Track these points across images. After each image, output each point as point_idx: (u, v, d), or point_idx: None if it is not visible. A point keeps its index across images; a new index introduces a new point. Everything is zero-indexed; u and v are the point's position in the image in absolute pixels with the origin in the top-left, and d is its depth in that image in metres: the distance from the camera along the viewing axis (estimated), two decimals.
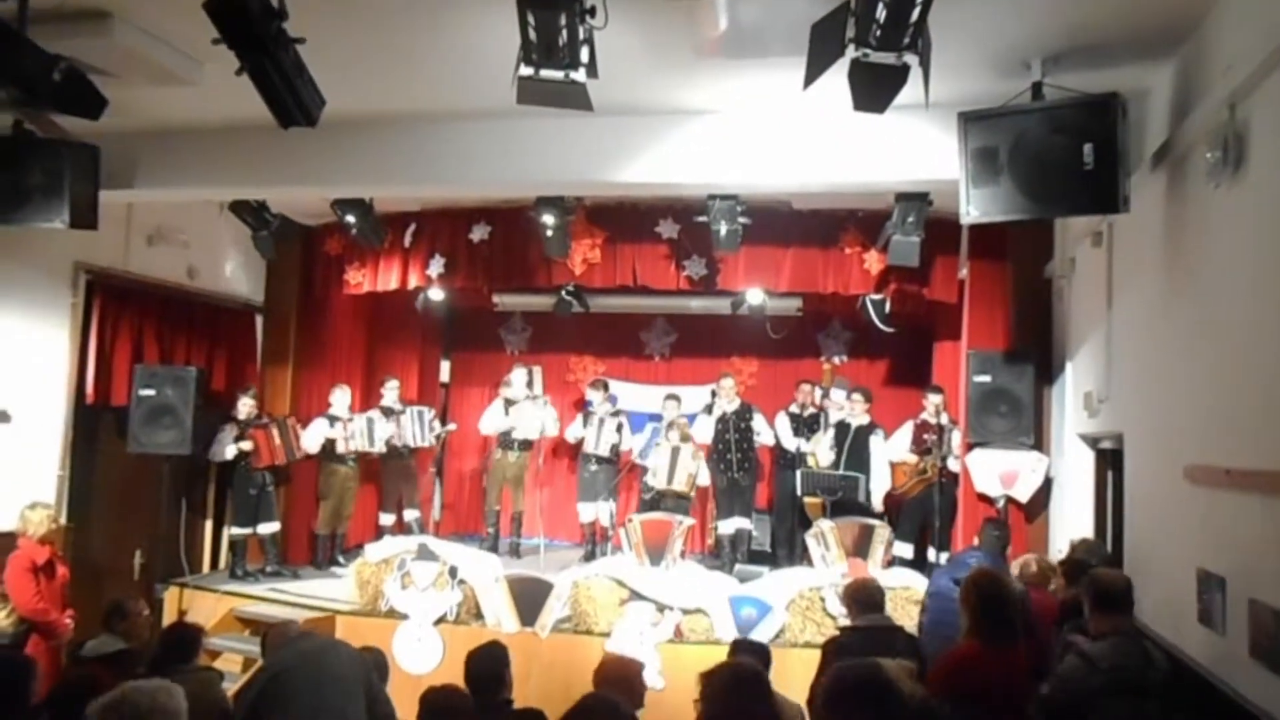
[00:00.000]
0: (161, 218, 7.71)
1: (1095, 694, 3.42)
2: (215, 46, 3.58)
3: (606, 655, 4.50)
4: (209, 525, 8.55)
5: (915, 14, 3.39)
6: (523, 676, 4.34)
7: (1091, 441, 6.06)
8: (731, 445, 8.33)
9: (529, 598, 6.67)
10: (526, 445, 9.04)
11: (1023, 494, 6.59)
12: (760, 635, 6.28)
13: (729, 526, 8.36)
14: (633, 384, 10.18)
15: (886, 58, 3.59)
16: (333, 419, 8.60)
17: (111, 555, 7.52)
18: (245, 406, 8.07)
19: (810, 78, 3.81)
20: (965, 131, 4.43)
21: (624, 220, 7.83)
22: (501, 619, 6.60)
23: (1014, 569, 5.30)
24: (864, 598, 4.58)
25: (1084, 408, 5.93)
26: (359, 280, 8.53)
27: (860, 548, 6.66)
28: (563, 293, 9.46)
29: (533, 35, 3.59)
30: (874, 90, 3.78)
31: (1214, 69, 3.86)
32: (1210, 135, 3.73)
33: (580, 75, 3.76)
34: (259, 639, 5.83)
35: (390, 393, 9.10)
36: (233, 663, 6.77)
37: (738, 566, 8.12)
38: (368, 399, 9.18)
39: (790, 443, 8.55)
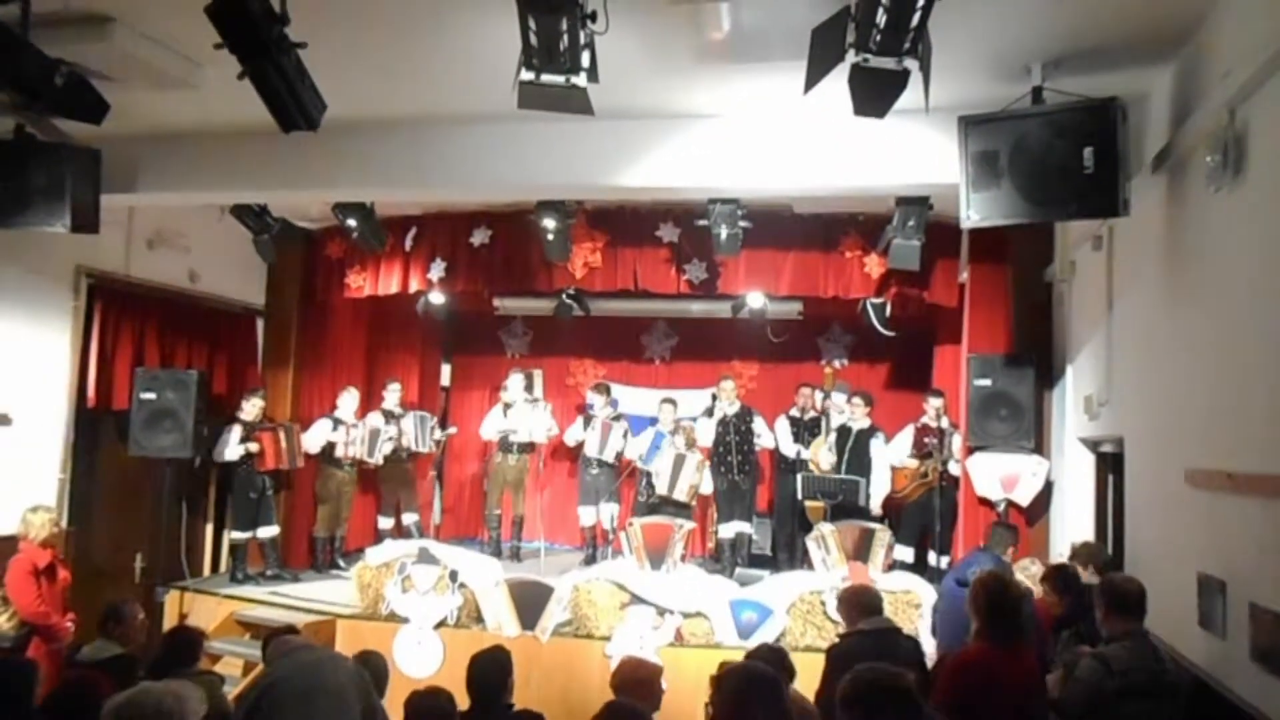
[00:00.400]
0: (162, 221, 7.72)
1: (1112, 697, 3.43)
2: (217, 51, 3.59)
3: (625, 659, 4.48)
4: (210, 529, 8.55)
5: (915, 19, 3.40)
6: (523, 680, 4.35)
7: (1092, 445, 6.07)
8: (732, 448, 8.33)
9: (529, 601, 6.67)
10: (526, 448, 9.04)
11: (1023, 498, 6.59)
12: (761, 639, 6.28)
13: (729, 530, 8.36)
14: (633, 387, 10.18)
15: (887, 62, 3.60)
16: (337, 422, 8.61)
17: (112, 558, 7.52)
18: (254, 408, 8.08)
19: (811, 82, 3.82)
20: (965, 135, 4.44)
21: (624, 224, 7.84)
22: (502, 623, 6.60)
23: (1016, 571, 5.32)
24: (866, 601, 4.58)
25: (1084, 411, 5.94)
26: (360, 284, 8.53)
27: (861, 551, 6.65)
28: (563, 296, 9.47)
29: (534, 40, 3.60)
30: (874, 95, 3.79)
31: (1213, 73, 3.87)
32: (1210, 139, 3.73)
33: (581, 80, 3.77)
34: (260, 643, 5.84)
35: (392, 396, 9.11)
36: (233, 666, 6.76)
37: (738, 570, 8.13)
38: (368, 403, 9.18)
39: (790, 447, 8.55)
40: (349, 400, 8.74)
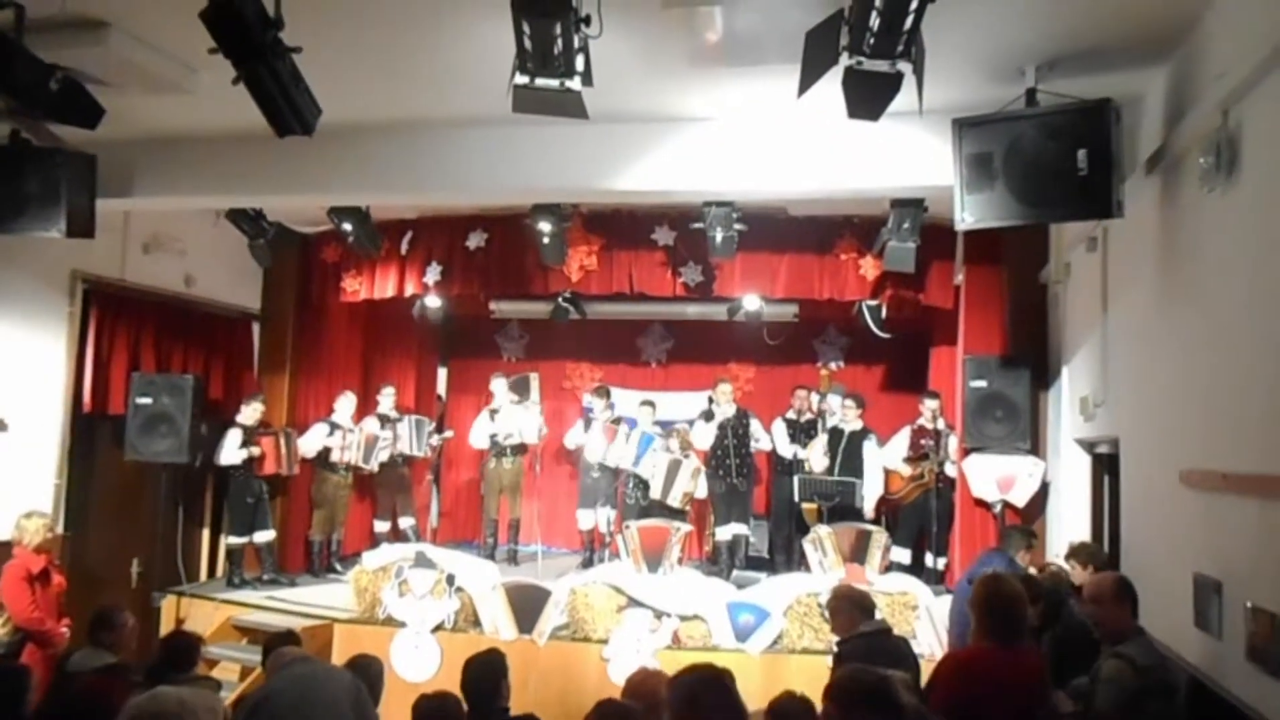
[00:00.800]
0: (158, 226, 7.71)
1: (1138, 696, 3.41)
2: (212, 56, 3.59)
3: (638, 670, 4.46)
4: (206, 534, 8.54)
5: (908, 22, 3.41)
6: (520, 684, 4.34)
7: (1088, 446, 6.08)
8: (730, 451, 8.33)
9: (526, 605, 6.67)
10: (520, 450, 9.04)
11: (1020, 499, 6.60)
12: (758, 641, 6.29)
13: (727, 532, 8.36)
14: (630, 390, 10.17)
15: (880, 65, 3.61)
16: (333, 426, 8.60)
17: (109, 564, 7.51)
18: (254, 413, 8.06)
19: (805, 85, 3.83)
20: (960, 138, 4.45)
21: (620, 227, 7.85)
22: (499, 626, 6.60)
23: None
24: (865, 603, 4.60)
25: (1080, 412, 5.95)
26: (356, 288, 8.53)
27: (858, 553, 6.66)
28: (559, 300, 9.47)
29: (528, 44, 3.60)
30: (868, 97, 3.80)
31: (1207, 75, 3.88)
32: (1203, 141, 3.74)
33: (575, 83, 3.77)
34: (258, 648, 5.83)
35: (386, 400, 9.11)
36: (230, 671, 6.74)
37: (735, 573, 8.13)
38: (365, 407, 9.18)
39: (786, 449, 8.56)
40: (345, 405, 8.74)
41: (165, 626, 7.22)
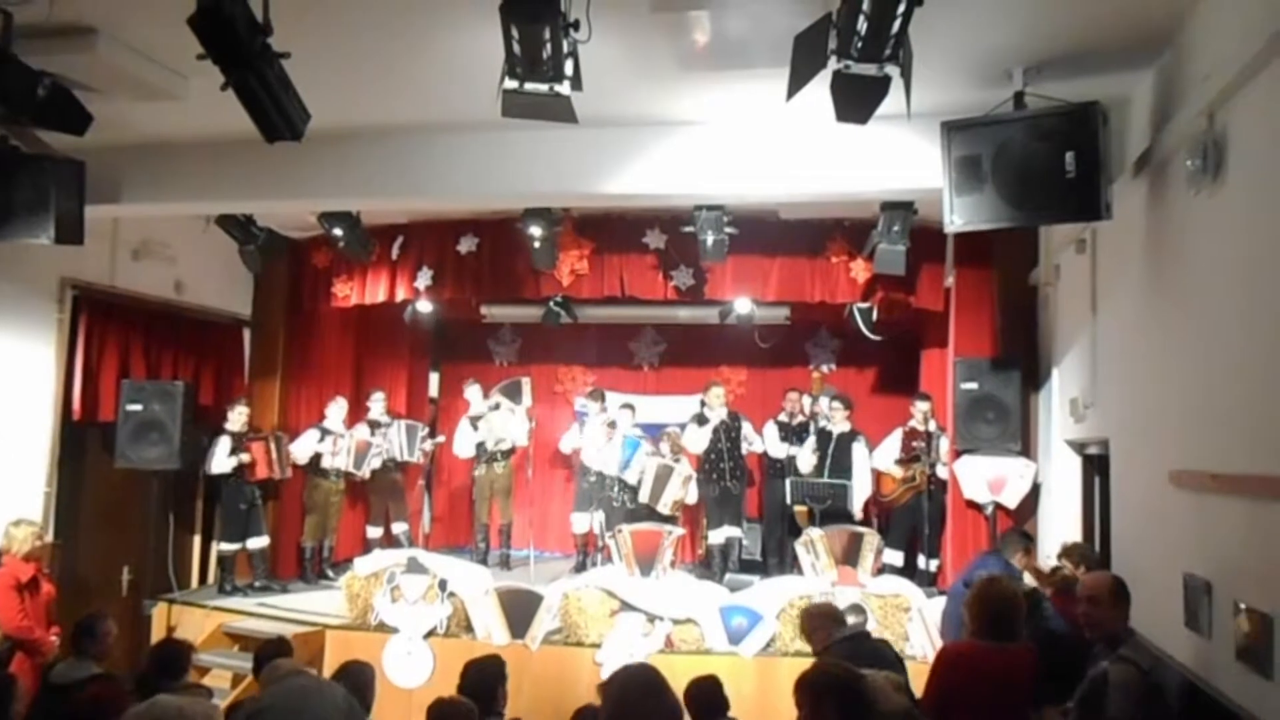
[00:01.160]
0: (148, 232, 7.67)
1: (1145, 700, 3.39)
2: (200, 62, 3.58)
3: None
4: (197, 541, 8.50)
5: (896, 25, 3.42)
6: (513, 689, 4.35)
7: (1078, 447, 6.10)
8: (723, 454, 8.34)
9: (519, 609, 6.66)
10: (509, 454, 9.04)
11: (1011, 500, 6.62)
12: (751, 644, 6.29)
13: (720, 536, 8.36)
14: (622, 394, 10.17)
15: (868, 69, 3.62)
16: (324, 431, 8.58)
17: (100, 572, 7.47)
18: (239, 418, 8.03)
19: (793, 89, 3.84)
20: (948, 141, 4.47)
21: (611, 231, 7.85)
22: (491, 631, 6.58)
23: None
24: (831, 614, 4.67)
25: (1070, 414, 5.97)
26: (347, 293, 8.52)
27: (850, 556, 6.66)
28: (551, 304, 9.47)
29: (517, 48, 3.60)
30: (856, 101, 3.81)
31: (1192, 77, 3.91)
32: (1190, 143, 3.77)
33: (565, 88, 3.77)
34: (249, 655, 5.80)
35: (377, 405, 9.10)
36: (222, 679, 6.72)
37: (728, 576, 8.13)
38: (357, 412, 9.16)
39: (779, 451, 8.57)
40: (336, 411, 8.72)
41: (156, 634, 7.19)
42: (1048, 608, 4.57)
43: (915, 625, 6.26)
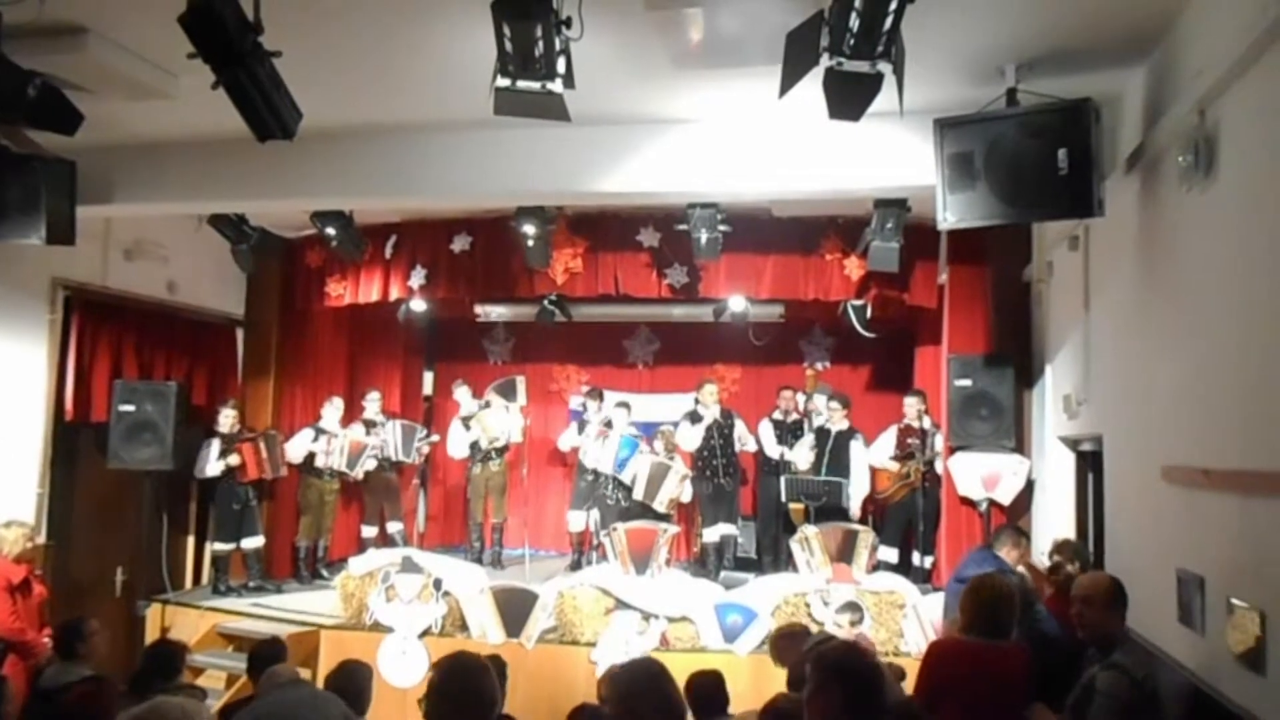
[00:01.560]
0: (140, 232, 7.65)
1: (1134, 710, 3.35)
2: (191, 60, 3.57)
3: (611, 669, 4.49)
4: (191, 541, 8.49)
5: (888, 22, 3.43)
6: (509, 688, 4.33)
7: (1071, 443, 6.11)
8: (716, 452, 8.34)
9: (514, 608, 6.65)
10: (503, 451, 9.03)
11: (1005, 496, 6.63)
12: (746, 642, 6.30)
13: (714, 534, 8.37)
14: (616, 392, 10.17)
15: (860, 66, 3.63)
16: (319, 431, 8.57)
17: (93, 573, 7.45)
18: (227, 419, 8.01)
19: (786, 86, 3.84)
20: (941, 138, 4.47)
21: (605, 229, 7.85)
22: (486, 630, 6.58)
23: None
24: (802, 630, 4.78)
25: (1063, 410, 5.98)
26: (340, 292, 8.50)
27: (845, 553, 6.66)
28: (545, 302, 9.46)
29: (509, 46, 3.60)
30: (849, 98, 3.81)
31: (1184, 74, 3.91)
32: (1182, 139, 3.77)
33: (557, 86, 3.77)
34: (243, 655, 5.79)
35: (371, 405, 9.09)
36: (216, 680, 6.71)
37: (723, 573, 8.14)
38: (351, 412, 9.15)
39: (773, 449, 8.57)
40: (332, 411, 8.71)
41: (150, 635, 7.17)
42: (1041, 610, 4.55)
43: (910, 622, 6.26)
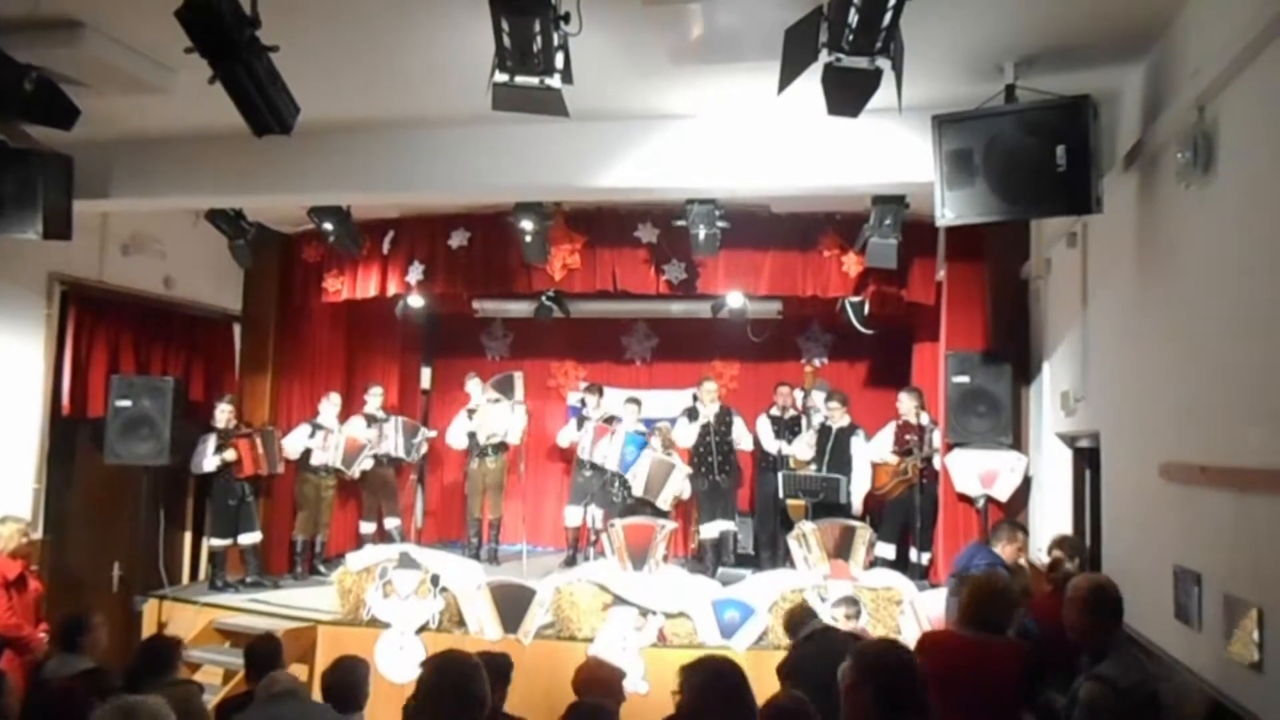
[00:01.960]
0: (137, 227, 7.64)
1: (1123, 717, 3.29)
2: (188, 55, 3.56)
3: (587, 660, 4.53)
4: (188, 536, 8.48)
5: (887, 19, 3.42)
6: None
7: (1069, 440, 6.11)
8: (712, 448, 8.35)
9: (511, 604, 6.65)
10: (501, 449, 9.03)
11: (1002, 493, 6.63)
12: (743, 638, 6.30)
13: (712, 530, 8.37)
14: (615, 388, 10.17)
15: (859, 62, 3.62)
16: (316, 427, 8.56)
17: (90, 568, 7.45)
18: (224, 415, 8.00)
19: (784, 82, 3.83)
20: (939, 134, 4.46)
21: (603, 225, 7.83)
22: (484, 626, 6.58)
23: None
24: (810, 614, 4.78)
25: (1061, 407, 5.98)
26: (338, 288, 8.49)
27: (842, 549, 6.67)
28: (543, 298, 9.45)
29: (507, 41, 3.60)
30: (847, 94, 3.81)
31: (1183, 71, 3.91)
32: (1180, 136, 3.76)
33: (555, 81, 3.77)
34: (239, 650, 5.78)
35: (374, 400, 9.09)
36: (213, 675, 6.70)
37: (720, 569, 8.13)
38: (348, 407, 9.14)
39: (771, 445, 8.57)
40: (329, 407, 8.70)
41: (147, 630, 7.17)
42: (1019, 611, 4.53)
43: (907, 618, 6.26)
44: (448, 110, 5.41)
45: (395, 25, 4.34)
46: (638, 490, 8.07)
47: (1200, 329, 3.70)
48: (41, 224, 5.05)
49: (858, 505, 7.96)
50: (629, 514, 7.77)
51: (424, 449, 9.68)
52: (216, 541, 7.99)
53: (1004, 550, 5.63)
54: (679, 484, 8.05)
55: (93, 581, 7.42)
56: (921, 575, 7.45)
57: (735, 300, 8.89)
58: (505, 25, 3.52)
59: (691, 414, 8.48)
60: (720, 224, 6.91)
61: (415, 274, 8.06)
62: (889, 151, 5.23)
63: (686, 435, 8.39)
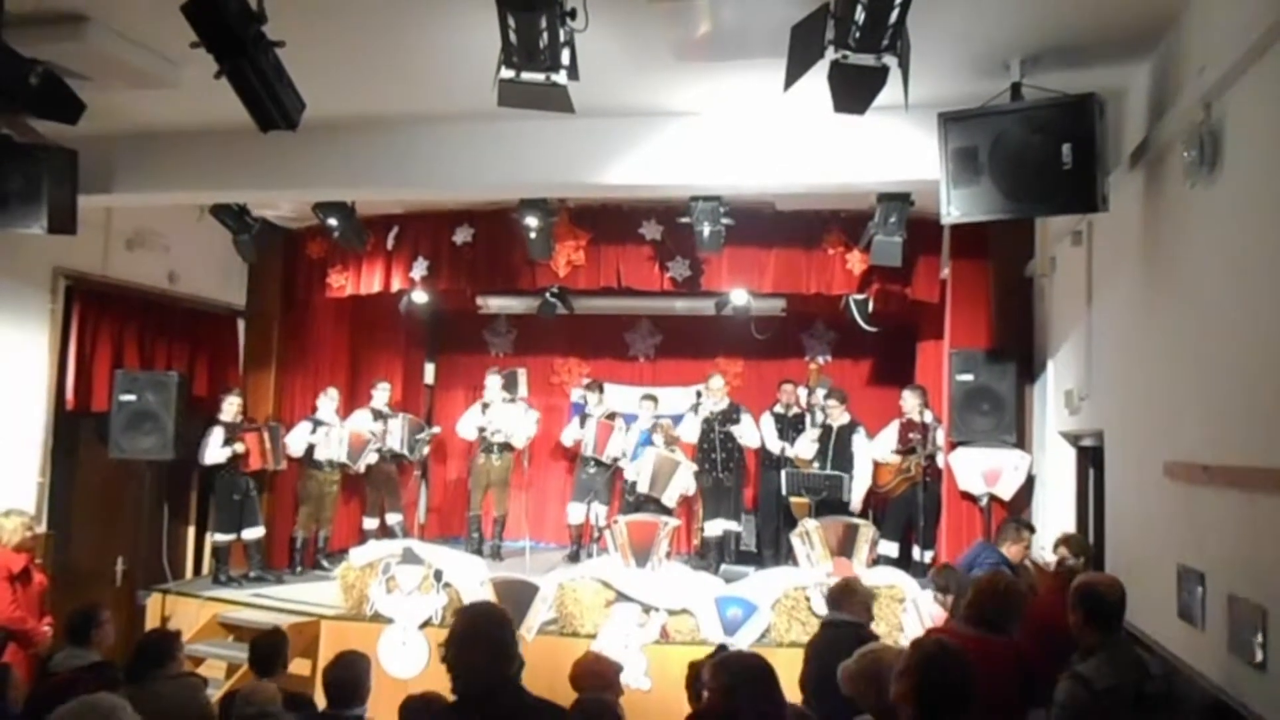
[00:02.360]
0: (141, 222, 7.65)
1: (1097, 716, 3.31)
2: (194, 50, 3.56)
3: (584, 655, 4.53)
4: (192, 531, 8.50)
5: (894, 16, 3.41)
6: None
7: (1073, 439, 6.11)
8: (716, 445, 8.35)
9: (515, 600, 6.64)
10: (507, 448, 9.03)
11: (1006, 492, 6.63)
12: (746, 635, 6.30)
13: (716, 527, 8.37)
14: (618, 385, 10.17)
15: (866, 59, 3.61)
16: (316, 423, 8.57)
17: (93, 562, 7.47)
18: (231, 408, 8.01)
19: (790, 79, 3.83)
20: (945, 132, 4.45)
21: (607, 222, 7.83)
22: None
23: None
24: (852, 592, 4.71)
25: (1065, 405, 5.97)
26: (342, 283, 8.49)
27: (845, 547, 6.67)
28: (547, 295, 9.45)
29: (513, 38, 3.59)
30: (854, 92, 3.80)
31: (1189, 69, 3.90)
32: (1186, 134, 3.76)
33: (561, 77, 3.76)
34: (243, 645, 5.80)
35: (380, 395, 9.11)
36: (216, 669, 6.72)
37: (723, 567, 8.14)
38: (351, 402, 9.15)
39: (775, 443, 8.57)
40: (327, 402, 8.71)
41: (151, 625, 7.19)
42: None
43: (910, 616, 6.26)
44: (453, 106, 5.41)
45: (401, 21, 4.34)
46: (643, 487, 8.07)
47: (1205, 328, 3.70)
48: (46, 218, 5.05)
49: (858, 503, 7.96)
50: (635, 511, 7.78)
51: (426, 449, 9.69)
52: (220, 536, 8.01)
53: (1009, 550, 5.63)
54: (685, 481, 8.05)
55: (96, 576, 7.44)
56: (924, 573, 7.43)
57: (739, 297, 8.88)
58: (512, 21, 3.52)
59: (696, 410, 8.49)
60: (725, 221, 6.90)
61: (419, 270, 8.06)
62: (894, 149, 5.22)
63: (688, 429, 8.39)
